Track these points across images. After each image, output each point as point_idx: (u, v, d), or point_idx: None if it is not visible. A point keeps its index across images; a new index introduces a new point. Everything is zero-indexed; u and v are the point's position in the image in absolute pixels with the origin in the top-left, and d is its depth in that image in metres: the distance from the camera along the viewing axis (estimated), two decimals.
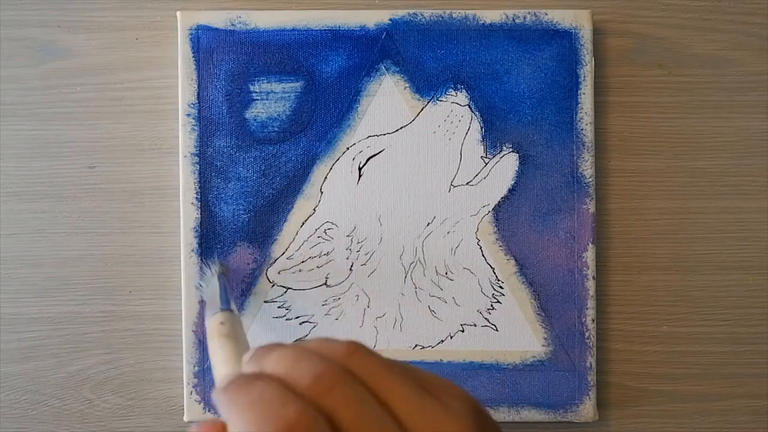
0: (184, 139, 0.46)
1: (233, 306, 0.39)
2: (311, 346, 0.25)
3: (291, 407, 0.23)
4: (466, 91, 0.46)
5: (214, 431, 0.25)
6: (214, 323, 0.36)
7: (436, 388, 0.25)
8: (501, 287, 0.46)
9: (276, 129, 0.46)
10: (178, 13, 0.46)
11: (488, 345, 0.46)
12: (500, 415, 0.46)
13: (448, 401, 0.25)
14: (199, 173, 0.46)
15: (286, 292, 0.46)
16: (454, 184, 0.46)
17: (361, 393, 0.24)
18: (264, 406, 0.23)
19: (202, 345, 0.46)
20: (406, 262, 0.46)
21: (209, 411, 0.46)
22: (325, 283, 0.46)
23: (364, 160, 0.46)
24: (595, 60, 0.46)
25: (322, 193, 0.46)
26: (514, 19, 0.46)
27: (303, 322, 0.46)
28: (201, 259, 0.46)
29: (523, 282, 0.46)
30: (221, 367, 0.33)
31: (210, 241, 0.46)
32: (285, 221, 0.46)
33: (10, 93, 0.47)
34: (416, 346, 0.46)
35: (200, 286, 0.45)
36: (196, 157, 0.46)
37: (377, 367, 0.25)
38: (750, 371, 0.48)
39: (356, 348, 0.25)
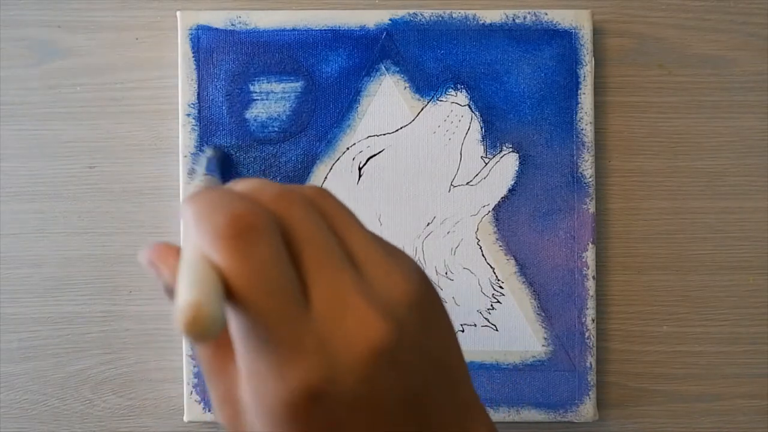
0: (184, 139, 0.46)
1: (217, 176, 0.39)
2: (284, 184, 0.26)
3: (244, 204, 0.23)
4: (466, 91, 0.46)
5: (168, 250, 0.25)
6: (190, 190, 0.36)
7: (391, 246, 0.26)
8: (501, 287, 0.46)
9: (276, 129, 0.46)
10: (178, 13, 0.46)
11: (488, 345, 0.46)
12: (500, 415, 0.46)
13: (399, 255, 0.25)
14: None
15: None
16: (454, 184, 0.46)
17: (319, 219, 0.24)
18: (219, 202, 0.23)
19: None
20: None
21: (209, 411, 0.46)
22: None
23: (364, 160, 0.46)
24: (595, 60, 0.46)
25: None
26: (514, 19, 0.46)
27: None
28: (196, 149, 0.46)
29: (523, 282, 0.46)
30: None
31: None
32: None
33: (10, 93, 0.47)
34: None
35: (193, 170, 0.45)
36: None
37: (340, 208, 0.25)
38: (750, 371, 0.48)
39: (325, 191, 0.25)
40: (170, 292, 0.25)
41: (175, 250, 0.25)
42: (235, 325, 0.23)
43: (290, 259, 0.23)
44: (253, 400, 0.23)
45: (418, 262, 0.26)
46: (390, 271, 0.24)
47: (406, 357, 0.24)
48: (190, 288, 0.21)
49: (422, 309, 0.25)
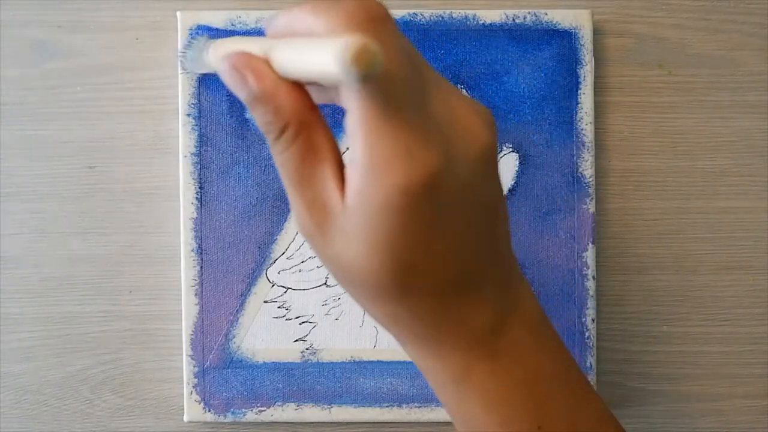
0: (184, 139, 0.46)
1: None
2: None
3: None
4: (466, 91, 0.46)
5: (253, 58, 0.26)
6: (214, 47, 0.34)
7: None
8: None
9: None
10: (178, 13, 0.46)
11: None
12: None
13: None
14: (199, 173, 0.46)
15: (286, 292, 0.46)
16: None
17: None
18: (332, 1, 0.24)
19: (202, 345, 0.46)
20: None
21: (209, 411, 0.46)
22: (325, 283, 0.46)
23: None
24: (595, 60, 0.46)
25: None
26: (514, 19, 0.46)
27: (303, 322, 0.46)
28: (184, 45, 0.43)
29: None
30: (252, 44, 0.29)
31: (210, 241, 0.46)
32: (285, 221, 0.46)
33: (10, 93, 0.47)
34: None
35: (185, 56, 0.40)
36: (196, 157, 0.46)
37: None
38: (750, 371, 0.48)
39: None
40: (259, 99, 0.25)
41: (263, 59, 0.26)
42: (363, 111, 0.24)
43: None
44: (363, 192, 0.24)
45: None
46: (474, 102, 0.27)
47: (495, 170, 0.27)
48: (341, 38, 0.22)
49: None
